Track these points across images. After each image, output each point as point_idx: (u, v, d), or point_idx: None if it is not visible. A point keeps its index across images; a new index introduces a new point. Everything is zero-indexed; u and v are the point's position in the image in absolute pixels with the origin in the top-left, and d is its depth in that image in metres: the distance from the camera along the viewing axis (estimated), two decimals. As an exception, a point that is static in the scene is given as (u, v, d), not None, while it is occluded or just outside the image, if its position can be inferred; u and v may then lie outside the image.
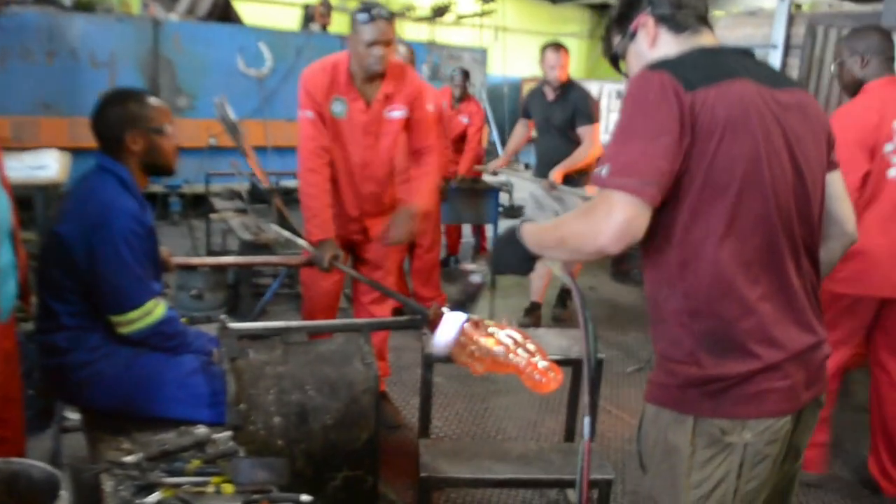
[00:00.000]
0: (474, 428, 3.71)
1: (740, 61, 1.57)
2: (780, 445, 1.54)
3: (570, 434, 3.01)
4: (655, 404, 1.59)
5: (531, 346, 2.13)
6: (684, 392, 1.52)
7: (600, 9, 16.30)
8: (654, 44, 1.64)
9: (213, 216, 5.90)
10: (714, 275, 1.47)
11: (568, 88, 4.91)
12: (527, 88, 15.17)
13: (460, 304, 2.01)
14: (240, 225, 5.24)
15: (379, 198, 3.38)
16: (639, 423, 1.65)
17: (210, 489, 1.74)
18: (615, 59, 1.76)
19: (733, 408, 1.49)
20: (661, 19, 1.63)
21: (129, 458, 1.86)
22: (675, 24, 1.62)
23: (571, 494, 3.02)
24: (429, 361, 2.70)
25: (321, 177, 3.15)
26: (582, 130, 4.82)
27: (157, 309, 2.24)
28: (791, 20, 5.86)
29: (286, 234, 3.52)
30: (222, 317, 2.25)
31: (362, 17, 3.01)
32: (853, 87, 2.99)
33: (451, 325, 2.10)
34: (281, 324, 2.36)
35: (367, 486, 2.43)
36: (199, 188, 7.52)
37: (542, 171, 4.96)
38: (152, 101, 2.34)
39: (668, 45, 1.62)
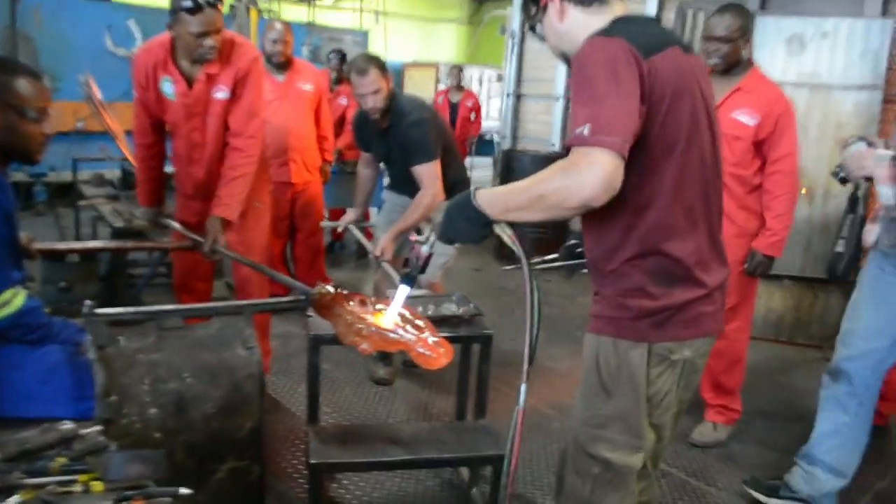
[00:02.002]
0: (364, 413, 3.64)
1: (663, 30, 1.76)
2: (706, 360, 1.87)
3: (461, 413, 2.98)
4: (612, 336, 1.76)
5: (420, 323, 2.08)
6: (637, 323, 1.72)
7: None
8: (562, 17, 1.75)
9: (81, 203, 5.55)
10: (664, 222, 1.67)
11: (395, 114, 3.59)
12: (408, 75, 15.17)
13: (409, 277, 1.93)
14: (111, 212, 4.92)
15: (209, 183, 3.18)
16: (594, 357, 1.79)
17: (77, 488, 1.59)
18: (532, 27, 1.86)
19: (677, 331, 1.73)
20: None
21: (-17, 460, 1.69)
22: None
23: (465, 472, 3.01)
24: (315, 344, 2.60)
25: (146, 151, 3.28)
26: (418, 171, 3.56)
27: (16, 299, 2.05)
28: (662, 4, 6.06)
29: (167, 222, 3.36)
30: (88, 302, 2.08)
31: (186, 4, 2.79)
32: (736, 66, 3.18)
33: (398, 298, 2.03)
34: (154, 308, 2.21)
35: (254, 477, 2.33)
36: (66, 176, 7.09)
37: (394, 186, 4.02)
38: (24, 78, 2.08)
39: (577, 18, 1.74)
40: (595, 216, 1.69)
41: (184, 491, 1.62)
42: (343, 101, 6.17)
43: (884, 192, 2.50)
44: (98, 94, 5.25)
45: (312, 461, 2.39)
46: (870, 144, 2.60)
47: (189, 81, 3.00)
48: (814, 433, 2.90)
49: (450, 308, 2.78)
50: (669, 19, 5.94)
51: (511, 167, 7.04)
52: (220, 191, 3.01)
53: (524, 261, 1.70)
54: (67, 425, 1.93)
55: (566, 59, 1.83)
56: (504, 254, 6.59)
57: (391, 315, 2.04)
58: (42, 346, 2.08)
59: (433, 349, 1.99)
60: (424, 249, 1.84)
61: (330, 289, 2.30)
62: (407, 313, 2.13)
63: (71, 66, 7.55)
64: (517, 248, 1.72)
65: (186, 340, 2.18)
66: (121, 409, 2.04)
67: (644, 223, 1.67)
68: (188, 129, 3.07)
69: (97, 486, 1.60)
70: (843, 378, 2.80)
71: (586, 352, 1.84)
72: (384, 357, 3.69)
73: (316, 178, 4.85)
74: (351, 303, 2.24)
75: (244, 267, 3.20)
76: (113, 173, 6.40)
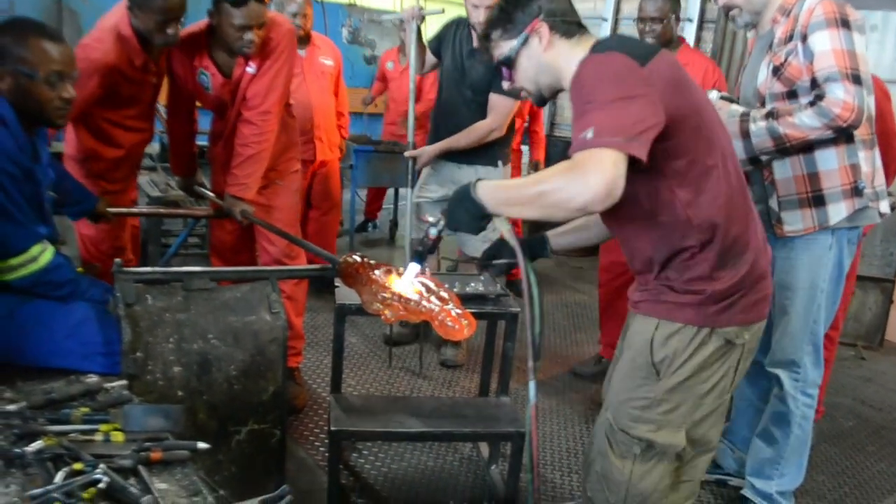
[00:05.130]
0: (388, 387, 3.65)
1: (643, 42, 1.94)
2: (758, 343, 1.89)
3: (484, 390, 2.98)
4: (672, 320, 1.77)
5: (444, 294, 2.07)
6: (704, 308, 1.73)
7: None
8: (548, 48, 1.78)
9: (119, 173, 5.61)
10: (718, 203, 1.68)
11: None
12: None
13: (418, 255, 1.95)
14: (148, 182, 5.00)
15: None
16: (647, 339, 1.80)
17: (98, 437, 1.62)
18: (505, 62, 1.83)
19: (742, 315, 1.75)
20: (554, 26, 1.77)
21: (10, 407, 1.72)
22: (566, 30, 1.78)
23: (484, 449, 3.01)
24: (340, 314, 2.61)
25: (180, 129, 3.30)
26: (495, 99, 3.54)
27: (43, 256, 2.08)
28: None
29: (202, 191, 3.40)
30: (117, 260, 2.11)
31: None
32: (669, 44, 3.43)
33: (406, 277, 2.06)
34: (182, 269, 2.23)
35: (274, 441, 2.34)
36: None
37: (437, 136, 3.78)
38: (37, 39, 2.05)
39: (562, 48, 1.77)
40: (643, 215, 1.72)
41: (202, 445, 1.63)
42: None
43: (736, 147, 2.44)
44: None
45: (333, 428, 2.41)
46: (729, 100, 2.54)
47: (226, 73, 2.97)
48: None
49: (476, 287, 2.77)
50: (714, 10, 5.83)
51: (548, 153, 6.99)
52: (234, 169, 2.95)
53: (521, 257, 1.70)
54: (93, 378, 1.97)
55: (539, 94, 1.86)
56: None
57: (403, 288, 2.04)
58: (70, 302, 2.11)
59: (456, 321, 1.98)
60: (432, 232, 1.84)
61: (357, 258, 2.30)
62: (432, 284, 2.12)
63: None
64: (515, 244, 1.72)
65: (213, 302, 2.19)
66: (145, 366, 2.07)
67: (700, 211, 1.68)
68: (234, 112, 3.05)
69: (117, 436, 1.63)
70: None
71: (636, 334, 1.84)
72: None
73: (336, 155, 4.76)
74: (376, 272, 2.23)
75: (271, 251, 3.21)
76: (152, 147, 6.47)
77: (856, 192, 2.42)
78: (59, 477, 1.44)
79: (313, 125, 4.48)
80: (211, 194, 3.30)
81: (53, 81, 2.06)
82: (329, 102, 4.63)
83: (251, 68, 2.91)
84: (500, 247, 2.01)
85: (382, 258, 2.31)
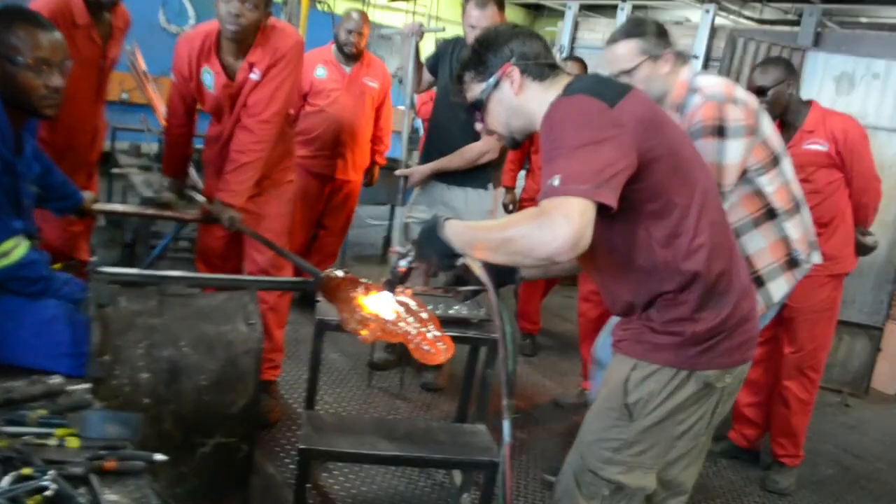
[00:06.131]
0: (365, 406, 3.60)
1: (616, 81, 1.82)
2: (741, 386, 1.85)
3: (461, 415, 2.93)
4: (651, 361, 1.71)
5: (424, 315, 2.03)
6: (683, 350, 1.68)
7: (535, 8, 16.35)
8: (519, 91, 1.74)
9: (114, 171, 5.59)
10: (699, 244, 1.63)
11: None
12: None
13: (388, 285, 1.91)
14: (142, 181, 4.96)
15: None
16: (622, 379, 1.74)
17: (53, 442, 1.56)
18: (477, 105, 1.80)
19: (722, 359, 1.70)
20: (525, 70, 1.73)
21: (-34, 405, 1.67)
22: (538, 73, 1.74)
23: (457, 476, 2.95)
24: (320, 329, 2.57)
25: (177, 130, 3.25)
26: None
27: (16, 251, 2.03)
28: (713, 33, 5.97)
29: (192, 194, 3.37)
30: (93, 259, 2.06)
31: None
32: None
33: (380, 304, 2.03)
34: (159, 273, 2.18)
35: (241, 456, 2.28)
36: (105, 145, 7.13)
37: (429, 156, 3.72)
38: (23, 25, 2.02)
39: (534, 91, 1.74)
40: (620, 260, 1.69)
41: (159, 457, 1.58)
42: None
43: None
44: (143, 65, 5.31)
45: (302, 446, 2.35)
46: None
47: (231, 75, 2.94)
48: None
49: (460, 310, 2.72)
50: (720, 48, 5.84)
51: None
52: (227, 175, 2.92)
53: (493, 295, 1.67)
54: (56, 379, 1.91)
55: (511, 137, 1.83)
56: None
57: (381, 308, 2.00)
58: (41, 299, 2.06)
59: (432, 344, 1.94)
60: (402, 263, 1.81)
61: (340, 273, 2.26)
62: (413, 304, 2.08)
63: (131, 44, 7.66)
64: (486, 281, 1.68)
65: (188, 309, 2.15)
66: (112, 370, 2.02)
67: (680, 252, 1.64)
68: (232, 118, 3.02)
69: (73, 441, 1.57)
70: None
71: (612, 373, 1.80)
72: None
73: (358, 177, 4.72)
74: (358, 289, 2.19)
75: (258, 260, 3.16)
76: (150, 146, 6.45)
77: (792, 263, 2.51)
78: (5, 481, 1.38)
79: (340, 142, 4.45)
80: (201, 198, 3.26)
81: (40, 69, 2.03)
82: (363, 123, 4.58)
83: (255, 75, 2.89)
84: (466, 270, 1.96)
85: (373, 275, 2.27)
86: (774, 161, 2.48)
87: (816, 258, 2.64)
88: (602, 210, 1.45)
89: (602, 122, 1.52)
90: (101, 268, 2.07)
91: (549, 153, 1.53)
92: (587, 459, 1.79)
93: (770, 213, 2.47)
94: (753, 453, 3.65)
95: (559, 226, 1.40)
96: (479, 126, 1.89)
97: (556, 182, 1.44)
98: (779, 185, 2.50)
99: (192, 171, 3.91)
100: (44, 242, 2.97)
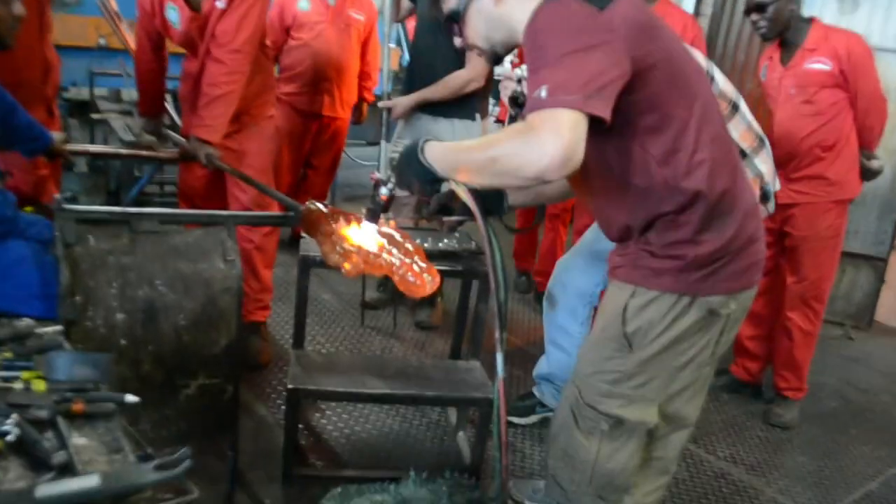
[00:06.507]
0: (358, 346, 3.53)
1: None
2: (746, 313, 1.73)
3: (455, 352, 2.85)
4: (650, 287, 1.61)
5: (409, 247, 1.93)
6: (686, 275, 1.57)
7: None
8: (499, 1, 1.61)
9: (94, 116, 5.43)
10: (699, 159, 1.52)
11: None
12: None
13: (370, 215, 1.81)
14: (122, 126, 4.82)
15: None
16: (619, 307, 1.64)
17: (17, 385, 1.48)
18: (454, 17, 1.68)
19: (727, 283, 1.60)
20: None
21: (-73, 349, 1.58)
22: None
23: (452, 414, 2.89)
24: (304, 266, 2.48)
25: (146, 66, 3.12)
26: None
27: None
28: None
29: (168, 133, 3.25)
30: (57, 196, 1.95)
31: None
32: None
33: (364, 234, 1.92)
34: (129, 209, 2.08)
35: (227, 397, 2.21)
36: (86, 92, 6.96)
37: (412, 87, 3.57)
38: None
39: (515, 1, 1.59)
40: (614, 180, 1.57)
41: (130, 398, 1.50)
42: None
43: None
44: (115, 6, 5.11)
45: (290, 386, 2.29)
46: None
47: (195, 6, 2.78)
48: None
49: (450, 243, 2.63)
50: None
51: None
52: (200, 110, 2.78)
53: (481, 221, 1.55)
54: (25, 322, 1.82)
55: (493, 52, 1.69)
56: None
57: (364, 240, 1.90)
58: (6, 241, 1.96)
59: (418, 276, 1.85)
60: (383, 191, 1.71)
61: (321, 206, 2.15)
62: (398, 236, 1.98)
63: (95, -19, 7.39)
64: (473, 207, 1.56)
65: (162, 246, 2.05)
66: (85, 312, 1.93)
67: (679, 169, 1.52)
68: (202, 51, 2.87)
69: (39, 384, 1.49)
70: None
71: (610, 302, 1.70)
72: (428, 300, 3.63)
73: (346, 115, 4.58)
74: (340, 221, 2.09)
75: (242, 199, 3.04)
76: (130, 92, 6.25)
77: (764, 197, 2.49)
78: (-36, 427, 1.30)
79: (325, 77, 4.30)
80: (178, 137, 3.14)
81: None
82: (349, 57, 4.43)
83: (220, 2, 2.73)
84: (451, 198, 1.83)
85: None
86: (734, 108, 2.45)
87: (778, 186, 2.62)
88: (594, 124, 1.33)
89: (591, 26, 1.39)
90: (67, 205, 1.95)
91: (534, 64, 1.40)
92: (584, 393, 1.70)
93: (741, 154, 2.41)
94: (755, 387, 3.60)
95: (548, 141, 1.28)
96: (457, 41, 1.76)
97: (543, 93, 1.31)
98: (742, 129, 2.46)
99: (172, 111, 3.79)
100: (10, 186, 2.87)
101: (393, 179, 1.66)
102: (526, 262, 4.56)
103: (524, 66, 2.18)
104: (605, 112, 1.33)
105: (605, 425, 1.68)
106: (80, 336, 1.90)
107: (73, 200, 4.47)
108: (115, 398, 1.50)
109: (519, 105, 2.13)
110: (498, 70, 2.20)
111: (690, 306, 1.60)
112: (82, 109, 7.25)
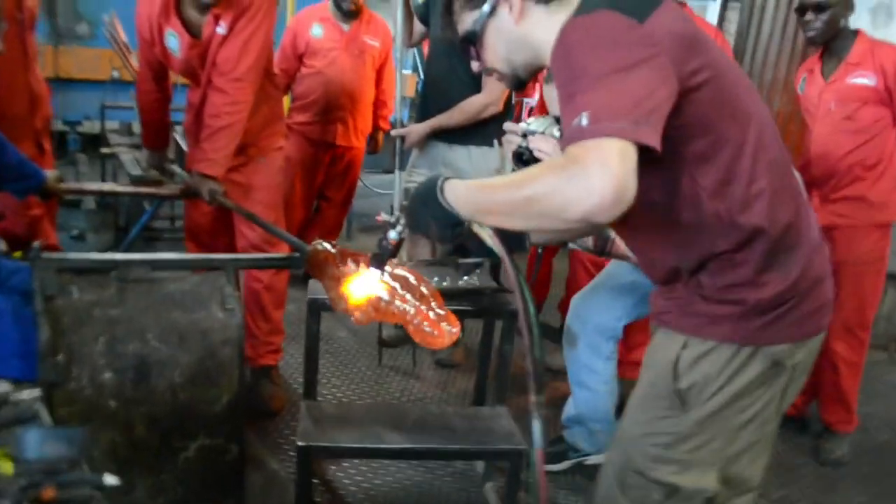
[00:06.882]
0: (377, 388, 3.32)
1: None
2: (814, 359, 1.53)
3: (480, 397, 2.64)
4: (705, 337, 1.41)
5: (424, 291, 1.73)
6: (746, 322, 1.38)
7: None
8: (520, 19, 1.42)
9: (104, 150, 5.32)
10: (757, 189, 1.32)
11: None
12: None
13: (376, 262, 1.57)
14: (131, 160, 4.70)
15: None
16: (671, 361, 1.43)
17: (-19, 467, 1.30)
18: (470, 38, 1.48)
19: (793, 330, 1.41)
20: None
21: None
22: None
23: (479, 463, 2.68)
24: (314, 310, 2.29)
25: (147, 97, 2.97)
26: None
27: None
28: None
29: (172, 168, 3.11)
30: (34, 244, 1.78)
31: None
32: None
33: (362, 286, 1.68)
34: (116, 256, 1.90)
35: (231, 458, 2.02)
36: (98, 126, 6.90)
37: (426, 114, 3.43)
38: None
39: (539, 17, 1.41)
40: (660, 217, 1.36)
41: (110, 480, 1.31)
42: None
43: None
44: (123, 37, 5.01)
45: (300, 443, 2.08)
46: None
47: (195, 32, 2.63)
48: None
49: (471, 280, 2.42)
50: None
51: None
52: (202, 143, 2.62)
53: (510, 269, 1.31)
54: (1, 387, 1.64)
55: (515, 76, 1.50)
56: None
57: (372, 285, 1.67)
58: (-16, 293, 1.79)
59: (435, 325, 1.65)
60: (392, 235, 1.48)
61: (327, 246, 1.97)
62: (412, 279, 1.78)
63: (109, 13, 7.33)
64: (502, 253, 1.33)
65: (153, 296, 1.87)
66: (69, 372, 1.75)
67: (734, 202, 1.32)
68: (204, 79, 2.72)
69: (5, 465, 1.30)
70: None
71: (657, 352, 1.48)
72: None
73: (361, 144, 4.42)
74: (349, 264, 1.90)
75: (249, 236, 2.87)
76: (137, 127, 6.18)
77: None
78: None
79: (339, 105, 4.15)
80: (181, 172, 2.98)
81: None
82: (364, 85, 4.28)
83: (221, 28, 2.57)
84: (468, 236, 1.59)
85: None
86: None
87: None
88: (640, 154, 1.11)
89: (632, 41, 1.19)
90: (46, 253, 1.78)
91: (568, 87, 1.19)
92: (632, 458, 1.48)
93: None
94: (801, 420, 3.35)
95: (596, 176, 1.06)
96: (475, 65, 1.56)
97: (584, 121, 1.10)
98: None
99: (183, 144, 3.65)
100: (1, 228, 2.71)
101: (402, 221, 1.46)
102: (538, 292, 4.31)
103: (531, 120, 1.99)
104: (655, 140, 1.12)
105: (657, 494, 1.45)
106: (63, 399, 1.73)
107: (81, 238, 4.36)
108: (91, 481, 1.31)
109: (524, 162, 1.91)
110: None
111: (752, 358, 1.38)
112: (95, 143, 7.20)
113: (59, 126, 7.47)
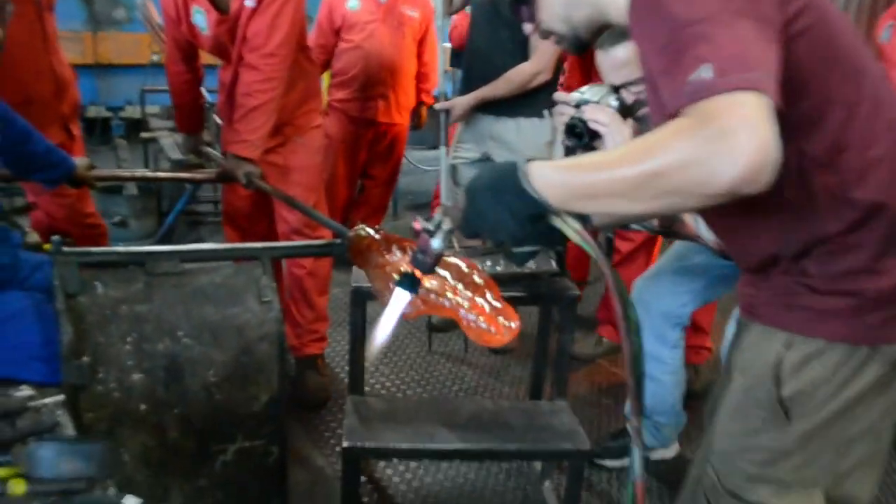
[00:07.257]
0: (426, 376, 3.17)
1: None
2: None
3: (536, 390, 2.46)
4: (817, 336, 1.19)
5: (478, 280, 1.56)
6: (863, 317, 1.16)
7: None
8: None
9: (144, 135, 5.25)
10: (876, 158, 1.11)
11: None
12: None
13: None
14: (171, 144, 4.61)
15: None
16: (772, 364, 1.21)
17: (-8, 487, 1.17)
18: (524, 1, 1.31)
19: None
20: None
21: None
22: None
23: (537, 464, 2.51)
24: (358, 300, 2.13)
25: (177, 78, 2.85)
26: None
27: None
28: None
29: (207, 150, 2.99)
30: (55, 238, 1.65)
31: None
32: None
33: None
34: (141, 248, 1.76)
35: (272, 460, 1.88)
36: (136, 110, 6.86)
37: (470, 85, 3.26)
38: None
39: None
40: (758, 197, 1.11)
41: (132, 501, 1.18)
42: None
43: None
44: (156, 17, 4.91)
45: (346, 444, 1.94)
46: None
47: (223, 7, 2.49)
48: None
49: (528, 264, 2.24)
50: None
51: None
52: (236, 124, 2.48)
53: (608, 270, 1.09)
54: (23, 392, 1.52)
55: (575, 37, 1.30)
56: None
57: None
58: (4, 291, 1.67)
59: (491, 320, 1.47)
60: (435, 245, 1.23)
61: (370, 231, 1.80)
62: (464, 266, 1.61)
63: (147, -3, 7.27)
64: (594, 252, 1.09)
65: (183, 290, 1.72)
66: (95, 374, 1.62)
67: (849, 173, 1.11)
68: (234, 57, 2.57)
69: (18, 485, 1.18)
70: None
71: (752, 352, 1.27)
72: None
73: (404, 120, 4.26)
74: (394, 250, 1.73)
75: (290, 220, 2.74)
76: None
77: None
78: None
79: (379, 80, 3.98)
80: (217, 154, 2.85)
81: None
82: (405, 58, 4.10)
83: (250, 1, 2.41)
84: (545, 240, 1.33)
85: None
86: None
87: None
88: None
89: None
90: (67, 247, 1.64)
91: (671, 42, 0.97)
92: (724, 476, 1.28)
93: None
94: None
95: (743, 136, 0.87)
96: (527, 28, 1.36)
97: (709, 73, 0.90)
98: None
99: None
100: (38, 217, 2.62)
101: (445, 226, 1.23)
102: (578, 273, 4.06)
103: (585, 88, 1.78)
104: (779, 98, 0.92)
105: None
106: (90, 403, 1.60)
107: (123, 225, 4.27)
108: (111, 500, 1.18)
109: (576, 135, 1.71)
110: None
111: (869, 359, 1.17)
112: (137, 128, 7.16)
113: (102, 112, 7.49)
